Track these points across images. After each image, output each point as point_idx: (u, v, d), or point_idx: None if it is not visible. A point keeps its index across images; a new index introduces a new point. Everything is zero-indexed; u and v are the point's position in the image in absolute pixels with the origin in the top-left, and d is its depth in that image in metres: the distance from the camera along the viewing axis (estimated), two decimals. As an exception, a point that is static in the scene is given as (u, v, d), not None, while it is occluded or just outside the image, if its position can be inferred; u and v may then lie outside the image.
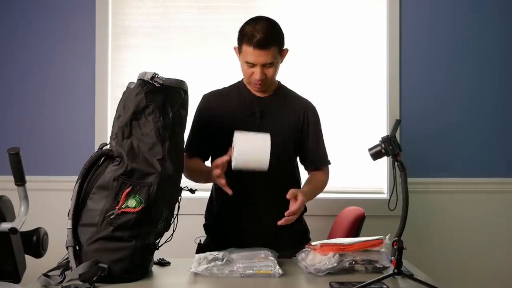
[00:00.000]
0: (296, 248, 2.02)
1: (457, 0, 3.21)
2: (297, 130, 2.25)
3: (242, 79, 2.30)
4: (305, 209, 2.33)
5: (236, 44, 2.19)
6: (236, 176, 2.08)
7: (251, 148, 1.96)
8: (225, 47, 3.17)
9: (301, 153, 2.29)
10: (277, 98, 2.26)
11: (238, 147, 1.94)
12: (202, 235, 2.29)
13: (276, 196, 2.10)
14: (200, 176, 2.19)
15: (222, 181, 2.00)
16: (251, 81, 2.17)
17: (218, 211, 2.24)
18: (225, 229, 2.21)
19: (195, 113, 2.29)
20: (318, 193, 2.31)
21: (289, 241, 2.16)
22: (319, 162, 2.31)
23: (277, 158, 2.17)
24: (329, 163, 2.34)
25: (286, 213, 2.01)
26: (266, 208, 2.15)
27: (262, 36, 2.06)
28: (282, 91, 2.30)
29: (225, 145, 2.07)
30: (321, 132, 2.32)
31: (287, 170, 2.25)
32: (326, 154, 2.32)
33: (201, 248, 2.19)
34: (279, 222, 2.01)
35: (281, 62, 2.21)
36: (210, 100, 2.27)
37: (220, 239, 2.19)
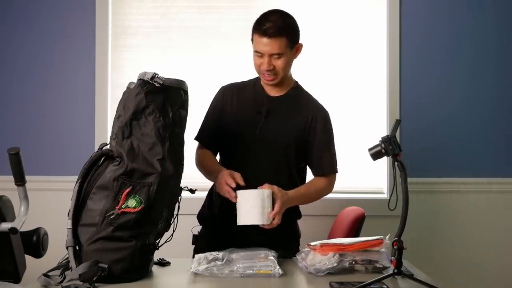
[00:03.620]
0: (285, 250, 2.03)
1: (457, 0, 3.21)
2: (302, 133, 2.21)
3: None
4: (299, 215, 2.30)
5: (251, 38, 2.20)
6: (238, 166, 2.11)
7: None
8: (225, 47, 3.18)
9: (307, 157, 2.26)
10: (289, 99, 2.24)
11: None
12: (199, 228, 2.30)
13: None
14: (208, 174, 2.22)
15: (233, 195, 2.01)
16: (260, 72, 2.17)
17: (217, 206, 2.22)
18: (218, 220, 2.21)
19: (211, 103, 2.32)
20: (312, 199, 2.25)
21: (279, 243, 2.10)
22: (322, 169, 2.24)
23: (276, 159, 2.18)
24: (335, 172, 2.27)
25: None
26: None
27: (271, 25, 2.08)
28: (296, 92, 2.27)
29: (231, 140, 2.13)
30: (331, 139, 2.25)
31: (286, 172, 2.22)
32: (333, 162, 2.25)
33: (196, 239, 2.21)
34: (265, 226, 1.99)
35: (295, 57, 2.20)
36: (225, 93, 2.28)
37: (213, 228, 2.21)
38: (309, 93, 2.31)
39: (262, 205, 1.95)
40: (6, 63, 3.24)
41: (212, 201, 2.26)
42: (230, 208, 2.02)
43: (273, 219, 1.97)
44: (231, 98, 2.26)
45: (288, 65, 2.17)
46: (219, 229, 2.20)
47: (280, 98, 2.24)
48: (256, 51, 2.13)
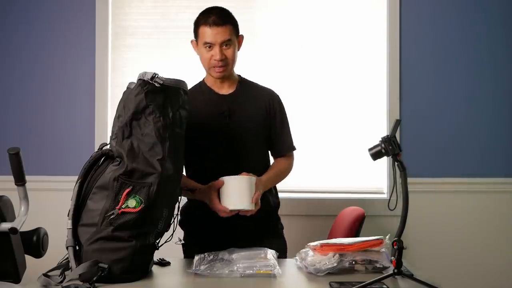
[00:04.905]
0: (270, 244, 2.06)
1: (457, 0, 3.21)
2: (265, 123, 2.27)
3: (203, 79, 2.31)
4: (278, 205, 2.34)
5: (192, 40, 2.24)
6: (211, 170, 2.11)
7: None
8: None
9: (268, 141, 2.31)
10: (241, 93, 2.26)
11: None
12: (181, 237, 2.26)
13: None
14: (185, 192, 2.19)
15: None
16: (211, 65, 2.18)
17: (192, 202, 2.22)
18: (198, 216, 2.20)
19: None
20: (281, 180, 2.32)
21: (263, 237, 2.16)
22: (285, 149, 2.33)
23: (250, 152, 2.20)
24: (294, 149, 2.35)
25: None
26: None
27: (216, 15, 2.14)
28: (244, 85, 2.30)
29: (198, 148, 2.13)
30: (286, 119, 2.34)
31: (260, 163, 2.26)
32: (292, 141, 2.35)
33: (185, 246, 2.19)
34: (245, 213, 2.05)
35: (239, 49, 2.23)
36: None
37: (195, 227, 2.22)
38: (255, 82, 2.35)
39: (250, 191, 2.02)
40: (6, 63, 3.24)
41: (190, 205, 2.26)
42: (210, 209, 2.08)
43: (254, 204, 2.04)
44: None
45: (235, 55, 2.20)
46: (205, 231, 2.20)
47: (233, 94, 2.26)
48: (205, 43, 2.15)
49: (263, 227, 2.23)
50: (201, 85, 2.30)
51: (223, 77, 2.22)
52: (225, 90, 2.26)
